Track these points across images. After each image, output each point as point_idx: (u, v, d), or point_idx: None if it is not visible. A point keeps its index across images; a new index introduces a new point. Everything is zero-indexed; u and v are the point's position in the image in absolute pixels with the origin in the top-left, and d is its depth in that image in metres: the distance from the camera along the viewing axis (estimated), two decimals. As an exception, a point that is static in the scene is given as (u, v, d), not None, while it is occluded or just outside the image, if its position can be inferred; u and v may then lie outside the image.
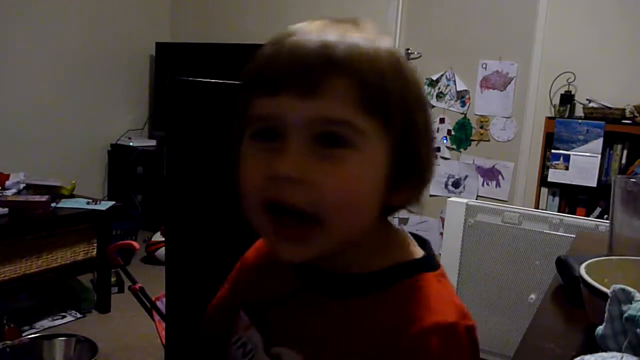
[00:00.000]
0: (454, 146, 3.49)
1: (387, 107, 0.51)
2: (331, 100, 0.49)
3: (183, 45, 4.09)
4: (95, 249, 2.59)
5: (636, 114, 2.77)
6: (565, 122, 2.90)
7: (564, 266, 0.97)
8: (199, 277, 0.90)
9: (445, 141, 3.51)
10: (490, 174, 3.40)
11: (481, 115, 3.39)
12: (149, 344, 2.26)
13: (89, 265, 2.60)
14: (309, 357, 0.57)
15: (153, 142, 4.03)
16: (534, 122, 3.17)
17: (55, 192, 2.59)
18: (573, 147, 2.87)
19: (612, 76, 2.98)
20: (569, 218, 2.03)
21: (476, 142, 3.42)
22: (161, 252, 3.14)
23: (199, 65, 3.87)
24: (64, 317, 2.54)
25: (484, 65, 3.34)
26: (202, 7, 4.25)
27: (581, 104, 2.99)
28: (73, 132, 3.75)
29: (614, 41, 2.96)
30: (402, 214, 3.91)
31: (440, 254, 2.28)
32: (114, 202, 2.70)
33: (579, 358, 0.60)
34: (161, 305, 1.81)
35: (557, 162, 2.91)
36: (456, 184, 3.49)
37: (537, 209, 2.89)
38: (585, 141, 2.84)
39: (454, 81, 3.44)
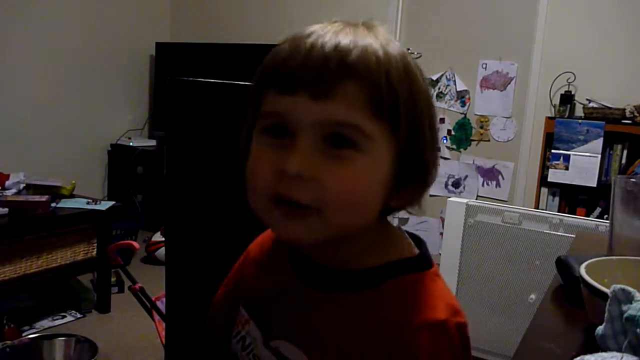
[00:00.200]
0: (454, 146, 3.49)
1: (397, 112, 0.53)
2: (342, 103, 0.51)
3: (183, 45, 4.09)
4: (95, 249, 2.59)
5: (636, 114, 2.77)
6: (565, 122, 2.90)
7: (564, 266, 0.97)
8: (199, 277, 0.90)
9: (445, 141, 3.51)
10: (490, 174, 3.40)
11: (481, 115, 3.39)
12: (149, 344, 2.26)
13: (89, 265, 2.60)
14: (306, 349, 0.58)
15: (153, 142, 4.03)
16: (534, 122, 3.17)
17: (55, 192, 2.59)
18: (573, 147, 2.87)
19: (612, 76, 2.98)
20: (569, 218, 2.03)
21: (476, 142, 3.42)
22: (161, 252, 3.14)
23: (199, 65, 3.87)
24: (64, 317, 2.54)
25: (484, 65, 3.34)
26: (202, 7, 4.25)
27: (581, 104, 2.99)
28: (73, 132, 3.75)
29: (614, 41, 2.96)
30: (402, 214, 3.91)
31: (440, 254, 2.28)
32: (114, 202, 2.70)
33: (579, 358, 0.60)
34: (161, 305, 1.81)
35: (557, 162, 2.91)
36: (456, 184, 3.49)
37: (537, 209, 2.89)
38: (585, 141, 2.84)
39: (454, 81, 3.44)
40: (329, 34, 0.53)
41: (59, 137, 3.66)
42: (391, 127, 0.53)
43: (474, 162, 3.43)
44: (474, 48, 3.35)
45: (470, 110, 3.42)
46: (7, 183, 2.57)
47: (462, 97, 3.43)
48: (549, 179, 2.94)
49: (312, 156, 0.51)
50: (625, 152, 2.85)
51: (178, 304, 1.04)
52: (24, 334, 2.27)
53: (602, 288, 0.70)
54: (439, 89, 3.49)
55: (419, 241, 0.63)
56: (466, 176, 3.46)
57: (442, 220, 3.12)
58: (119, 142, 3.99)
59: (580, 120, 2.89)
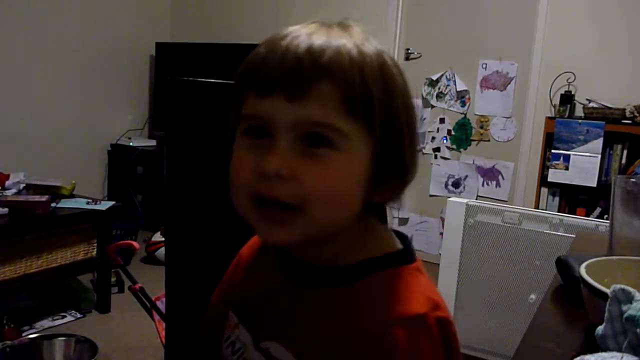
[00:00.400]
0: (454, 146, 3.49)
1: (371, 111, 0.54)
2: (317, 104, 0.52)
3: (183, 45, 4.09)
4: (95, 249, 2.59)
5: (636, 114, 2.77)
6: (565, 122, 2.90)
7: (564, 266, 0.97)
8: (199, 277, 0.90)
9: (445, 141, 3.51)
10: (490, 174, 3.40)
11: (481, 115, 3.39)
12: (149, 344, 2.26)
13: (89, 265, 2.60)
14: (295, 351, 0.58)
15: (153, 142, 4.03)
16: (534, 122, 3.17)
17: (55, 192, 2.59)
18: (573, 147, 2.87)
19: (612, 76, 2.98)
20: (569, 218, 2.03)
21: (476, 142, 3.42)
22: (161, 252, 3.14)
23: (199, 65, 3.87)
24: (64, 317, 2.54)
25: (484, 65, 3.34)
26: (202, 7, 4.25)
27: (581, 104, 2.99)
28: (73, 132, 3.75)
29: (614, 41, 2.96)
30: (402, 214, 3.90)
31: (440, 254, 2.29)
32: (114, 202, 2.70)
33: (579, 358, 0.60)
34: (161, 305, 1.81)
35: (557, 162, 2.91)
36: (456, 184, 3.49)
37: (537, 209, 2.89)
38: (585, 141, 2.84)
39: (454, 81, 3.44)
40: (302, 35, 0.54)
41: (59, 137, 3.66)
42: (366, 125, 0.54)
43: (474, 162, 3.43)
44: (474, 48, 3.35)
45: (470, 110, 3.42)
46: (7, 183, 2.57)
47: (462, 97, 3.43)
48: (549, 179, 2.94)
49: (291, 156, 0.53)
50: (625, 152, 2.85)
51: (178, 304, 1.04)
52: (24, 334, 2.27)
53: (602, 288, 0.70)
54: (439, 89, 3.49)
55: (403, 237, 0.63)
56: (466, 176, 3.46)
57: (442, 220, 3.12)
58: (119, 142, 3.98)
59: (580, 120, 2.89)
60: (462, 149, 3.47)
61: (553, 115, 3.06)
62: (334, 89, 0.52)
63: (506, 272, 2.09)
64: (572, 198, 2.97)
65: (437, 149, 3.53)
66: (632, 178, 0.96)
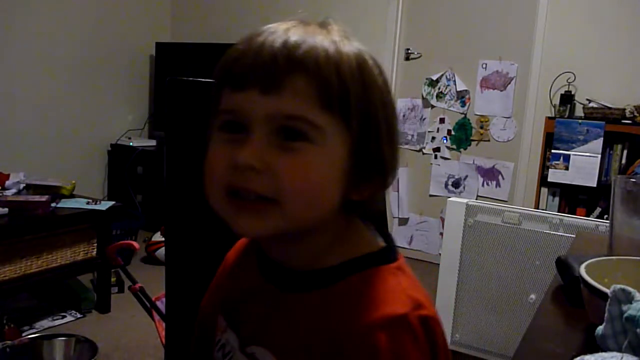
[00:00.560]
0: (454, 146, 3.49)
1: (347, 105, 0.53)
2: (290, 97, 0.52)
3: (183, 45, 4.09)
4: (95, 249, 2.59)
5: (636, 114, 2.77)
6: (565, 122, 2.90)
7: (564, 266, 0.97)
8: (199, 277, 0.90)
9: (445, 141, 3.51)
10: (490, 174, 3.40)
11: (481, 115, 3.39)
12: (149, 344, 2.26)
13: (89, 265, 2.60)
14: (277, 353, 0.58)
15: (153, 142, 4.03)
16: (534, 122, 3.17)
17: (55, 192, 2.59)
18: (573, 147, 2.87)
19: (612, 76, 2.98)
20: (569, 218, 2.03)
21: (476, 142, 3.42)
22: (161, 252, 3.14)
23: (199, 65, 3.86)
24: (64, 317, 2.54)
25: (484, 65, 3.34)
26: (202, 7, 4.25)
27: (581, 104, 2.99)
28: (73, 132, 3.75)
29: (614, 41, 2.96)
30: (402, 214, 3.88)
31: (440, 254, 2.29)
32: (114, 202, 2.70)
33: (579, 358, 0.60)
34: (161, 305, 1.81)
35: (557, 162, 2.91)
36: (456, 184, 3.49)
37: (537, 209, 2.89)
38: (585, 141, 2.84)
39: (454, 81, 3.44)
40: (279, 31, 0.54)
41: (59, 137, 3.66)
42: (342, 119, 0.53)
43: (474, 162, 3.43)
44: (474, 48, 3.35)
45: (470, 110, 3.42)
46: (7, 183, 2.57)
47: (462, 97, 3.43)
48: (549, 179, 2.94)
49: (265, 149, 0.52)
50: (625, 152, 2.85)
51: (178, 304, 1.04)
52: (24, 334, 2.27)
53: (602, 288, 0.70)
54: (439, 89, 3.49)
55: (387, 236, 0.62)
56: (466, 176, 3.46)
57: (442, 220, 3.12)
58: (119, 142, 3.98)
59: (580, 120, 2.89)
60: (462, 149, 3.47)
61: (553, 115, 3.06)
62: (308, 83, 0.52)
63: (506, 272, 2.09)
64: (572, 198, 2.97)
65: (437, 149, 3.53)
66: (632, 178, 0.96)
